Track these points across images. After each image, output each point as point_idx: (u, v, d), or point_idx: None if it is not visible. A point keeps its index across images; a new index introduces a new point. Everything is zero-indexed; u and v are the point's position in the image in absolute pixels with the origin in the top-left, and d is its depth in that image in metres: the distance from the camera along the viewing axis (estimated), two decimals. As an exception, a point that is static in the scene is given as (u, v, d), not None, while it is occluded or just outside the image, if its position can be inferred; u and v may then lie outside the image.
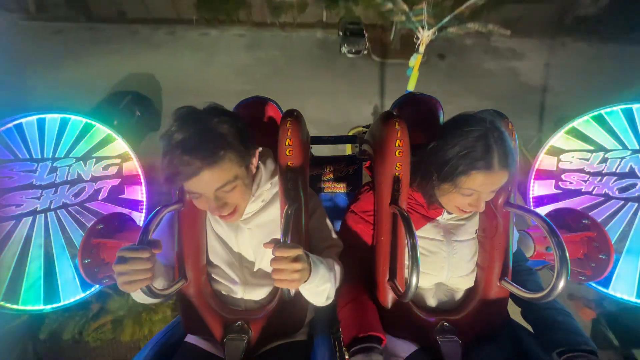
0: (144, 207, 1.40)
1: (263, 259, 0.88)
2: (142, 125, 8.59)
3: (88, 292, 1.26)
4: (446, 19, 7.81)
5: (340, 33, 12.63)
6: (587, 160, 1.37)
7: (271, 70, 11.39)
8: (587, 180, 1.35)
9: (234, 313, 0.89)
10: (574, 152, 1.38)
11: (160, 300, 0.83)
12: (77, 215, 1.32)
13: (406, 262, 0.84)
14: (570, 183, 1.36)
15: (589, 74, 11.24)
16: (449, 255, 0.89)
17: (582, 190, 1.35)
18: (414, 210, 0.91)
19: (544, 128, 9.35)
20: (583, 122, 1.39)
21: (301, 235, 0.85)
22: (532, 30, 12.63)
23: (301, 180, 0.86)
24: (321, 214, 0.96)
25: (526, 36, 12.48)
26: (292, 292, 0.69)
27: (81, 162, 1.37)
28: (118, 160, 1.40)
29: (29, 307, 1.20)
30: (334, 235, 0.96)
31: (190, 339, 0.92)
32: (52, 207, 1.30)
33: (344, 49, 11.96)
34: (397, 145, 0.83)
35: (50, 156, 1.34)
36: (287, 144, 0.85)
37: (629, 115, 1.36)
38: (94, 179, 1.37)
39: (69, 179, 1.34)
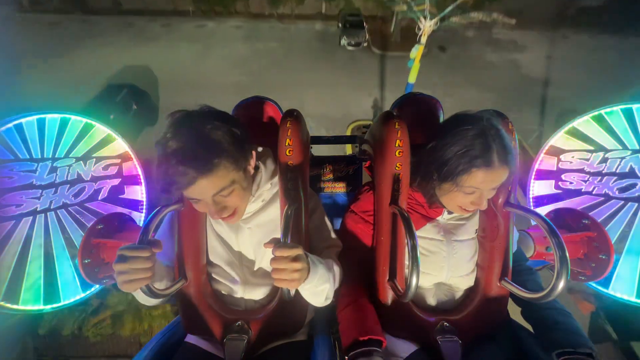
0: (144, 207, 1.40)
1: (263, 258, 0.88)
2: (139, 120, 8.41)
3: (88, 292, 1.26)
4: (449, 9, 7.58)
5: (340, 25, 12.43)
6: (587, 160, 1.37)
7: (269, 63, 11.18)
8: (587, 180, 1.35)
9: (234, 313, 0.89)
10: (574, 152, 1.38)
11: (160, 301, 0.83)
12: (77, 215, 1.32)
13: (406, 262, 0.84)
14: (570, 183, 1.36)
15: (591, 66, 11.07)
16: (449, 255, 0.89)
17: (582, 190, 1.35)
18: (413, 210, 0.91)
19: (545, 121, 9.23)
20: (583, 122, 1.39)
21: (301, 235, 0.85)
22: (534, 22, 12.45)
23: (301, 180, 0.86)
24: (321, 214, 0.96)
25: (528, 28, 12.31)
26: (292, 292, 0.70)
27: (81, 162, 1.37)
28: (118, 160, 1.40)
29: (29, 307, 1.19)
30: (334, 236, 0.96)
31: (190, 339, 0.92)
32: (52, 207, 1.30)
33: (343, 41, 11.77)
34: (397, 145, 0.83)
35: (50, 156, 1.34)
36: (287, 144, 0.85)
37: (629, 115, 1.36)
38: (94, 179, 1.37)
39: (69, 179, 1.34)
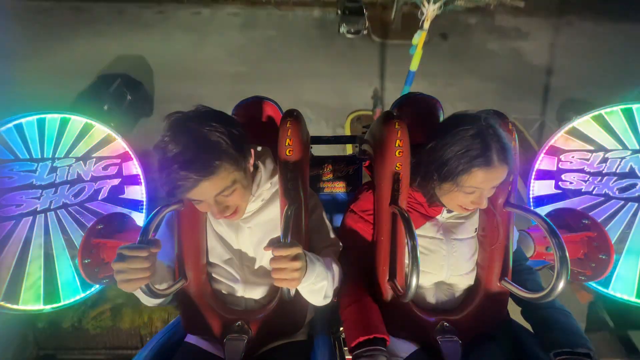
0: (144, 207, 1.40)
1: (263, 257, 0.89)
2: (134, 110, 8.16)
3: (88, 292, 1.26)
4: None
5: (339, 12, 12.02)
6: (587, 160, 1.37)
7: (266, 51, 10.84)
8: (587, 180, 1.35)
9: (234, 313, 0.89)
10: (574, 152, 1.38)
11: (162, 301, 0.83)
12: (77, 215, 1.32)
13: (406, 261, 0.84)
14: (570, 183, 1.36)
15: (596, 54, 10.76)
16: (449, 253, 0.89)
17: (582, 190, 1.35)
18: (413, 209, 0.91)
19: (547, 111, 9.00)
20: (583, 122, 1.39)
21: (301, 235, 0.85)
22: (537, 9, 12.09)
23: (301, 180, 0.86)
24: (321, 214, 0.96)
25: (531, 15, 11.96)
26: (292, 292, 0.70)
27: (81, 162, 1.37)
28: (118, 160, 1.40)
29: (29, 307, 1.19)
30: (333, 235, 0.96)
31: (190, 339, 0.92)
32: (52, 207, 1.30)
33: (342, 29, 11.42)
34: (397, 145, 0.84)
35: (50, 156, 1.34)
36: (287, 144, 0.85)
37: (629, 115, 1.36)
38: (94, 179, 1.37)
39: (69, 179, 1.34)
